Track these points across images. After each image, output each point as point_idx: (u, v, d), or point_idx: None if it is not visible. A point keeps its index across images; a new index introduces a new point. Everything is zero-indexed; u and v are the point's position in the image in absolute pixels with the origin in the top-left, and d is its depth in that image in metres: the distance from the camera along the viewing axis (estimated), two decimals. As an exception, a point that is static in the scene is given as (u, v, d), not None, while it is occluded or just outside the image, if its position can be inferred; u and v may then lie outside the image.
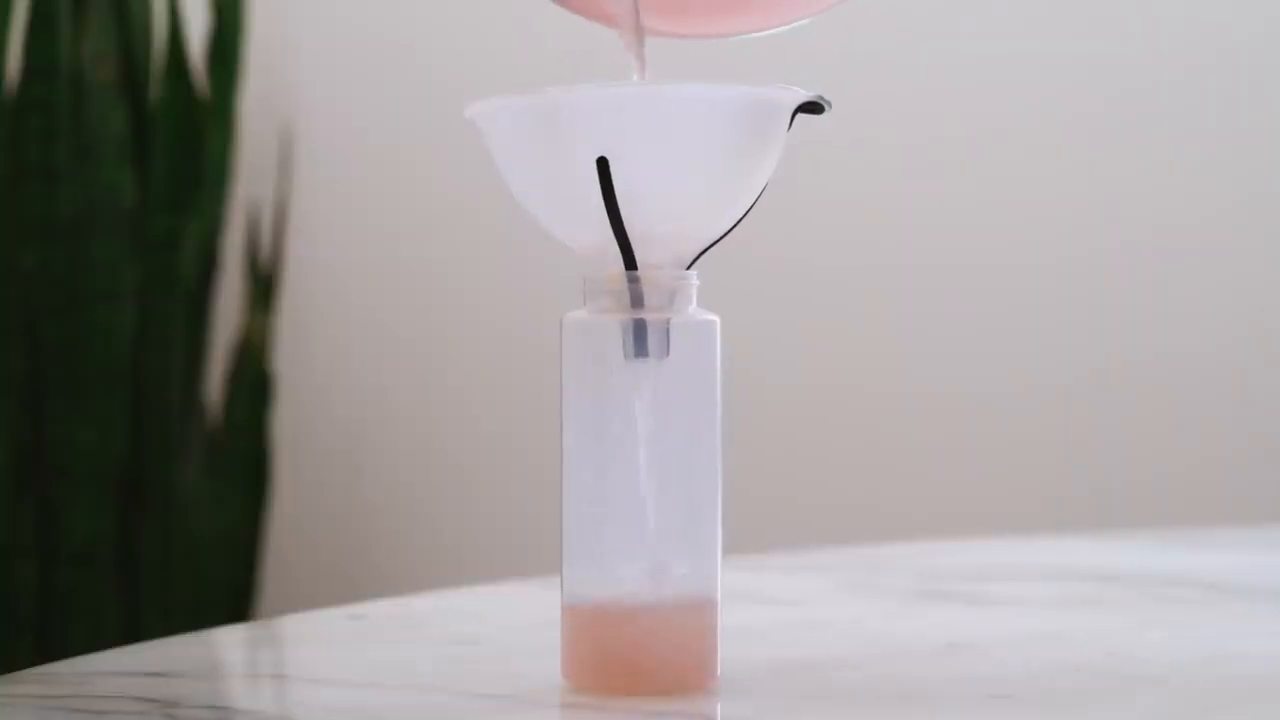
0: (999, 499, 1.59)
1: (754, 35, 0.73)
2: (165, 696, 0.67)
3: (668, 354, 0.67)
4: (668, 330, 0.67)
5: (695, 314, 0.67)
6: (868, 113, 1.61)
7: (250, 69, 1.72)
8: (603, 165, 0.65)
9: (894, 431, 1.61)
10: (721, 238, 0.68)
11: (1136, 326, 1.57)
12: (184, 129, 1.61)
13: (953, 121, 1.60)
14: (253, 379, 1.68)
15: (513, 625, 0.83)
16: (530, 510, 1.68)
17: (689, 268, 0.68)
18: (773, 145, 0.67)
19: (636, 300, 0.66)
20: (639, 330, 0.66)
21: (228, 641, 0.82)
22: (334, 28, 1.80)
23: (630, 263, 0.66)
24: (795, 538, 1.54)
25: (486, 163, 0.68)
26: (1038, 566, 1.01)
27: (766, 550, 1.06)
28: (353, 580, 1.77)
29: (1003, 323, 1.59)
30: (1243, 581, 0.94)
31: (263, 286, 1.69)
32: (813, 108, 0.67)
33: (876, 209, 1.62)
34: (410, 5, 1.76)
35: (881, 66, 1.61)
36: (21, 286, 1.53)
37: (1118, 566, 1.00)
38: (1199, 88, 1.56)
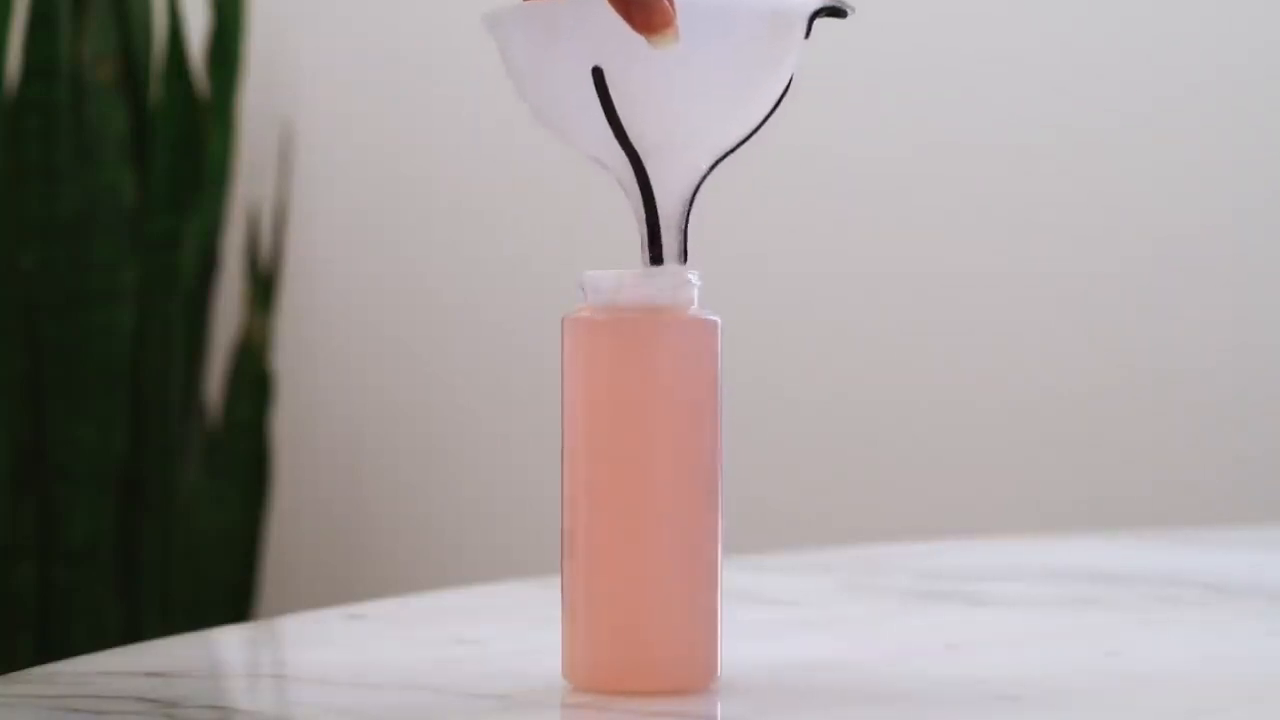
0: (999, 499, 1.59)
1: None
2: (165, 696, 0.67)
3: (685, 260, 0.66)
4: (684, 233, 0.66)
5: (696, 314, 0.67)
6: (870, 116, 1.61)
7: (250, 69, 1.72)
8: (598, 75, 0.64)
9: (894, 432, 1.61)
10: (735, 149, 0.67)
11: (1135, 327, 1.57)
12: (184, 129, 1.60)
13: (955, 127, 1.60)
14: (253, 379, 1.67)
15: (513, 625, 0.83)
16: (530, 510, 1.68)
17: (703, 179, 0.67)
18: (788, 54, 0.66)
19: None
20: (653, 231, 0.66)
21: (228, 641, 0.82)
22: (334, 28, 1.80)
23: (640, 172, 0.65)
24: (795, 538, 1.54)
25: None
26: (1037, 566, 1.01)
27: (766, 550, 1.06)
28: (352, 580, 1.77)
29: (1001, 324, 1.59)
30: (1242, 581, 0.94)
31: (263, 286, 1.69)
32: (834, 11, 0.65)
33: (876, 211, 1.62)
34: (410, 5, 1.76)
35: (886, 72, 1.61)
36: (21, 286, 1.53)
37: (1117, 566, 1.00)
38: (1201, 91, 1.55)
